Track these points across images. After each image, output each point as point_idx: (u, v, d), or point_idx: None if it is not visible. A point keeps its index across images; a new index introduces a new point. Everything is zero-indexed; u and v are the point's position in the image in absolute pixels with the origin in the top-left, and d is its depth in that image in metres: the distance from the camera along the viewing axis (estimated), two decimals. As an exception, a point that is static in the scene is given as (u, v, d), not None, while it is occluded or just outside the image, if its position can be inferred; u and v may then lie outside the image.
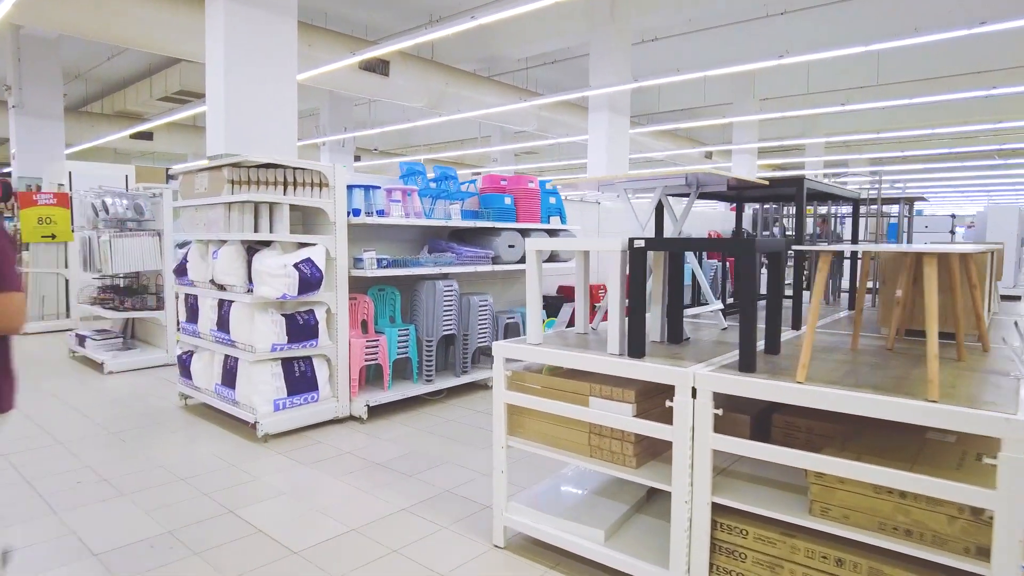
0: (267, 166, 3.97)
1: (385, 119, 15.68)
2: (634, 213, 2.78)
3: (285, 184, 3.98)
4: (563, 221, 5.76)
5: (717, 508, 2.06)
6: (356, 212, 4.18)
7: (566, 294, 5.88)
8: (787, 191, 3.11)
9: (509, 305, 5.82)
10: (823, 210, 5.10)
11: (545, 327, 5.21)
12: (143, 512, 2.84)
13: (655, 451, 2.35)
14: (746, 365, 2.00)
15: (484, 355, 5.38)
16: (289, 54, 5.79)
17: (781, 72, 12.93)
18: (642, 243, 2.18)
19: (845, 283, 5.33)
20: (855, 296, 3.86)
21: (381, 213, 4.31)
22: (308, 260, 3.84)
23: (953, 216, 6.06)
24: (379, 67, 9.59)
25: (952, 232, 6.18)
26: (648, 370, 2.11)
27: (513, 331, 5.52)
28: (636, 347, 2.21)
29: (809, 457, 1.79)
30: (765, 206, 5.46)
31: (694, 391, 2.01)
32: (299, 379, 3.94)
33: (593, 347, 2.42)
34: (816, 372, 1.98)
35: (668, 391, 2.08)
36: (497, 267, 5.01)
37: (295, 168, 3.99)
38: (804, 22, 10.11)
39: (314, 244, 3.97)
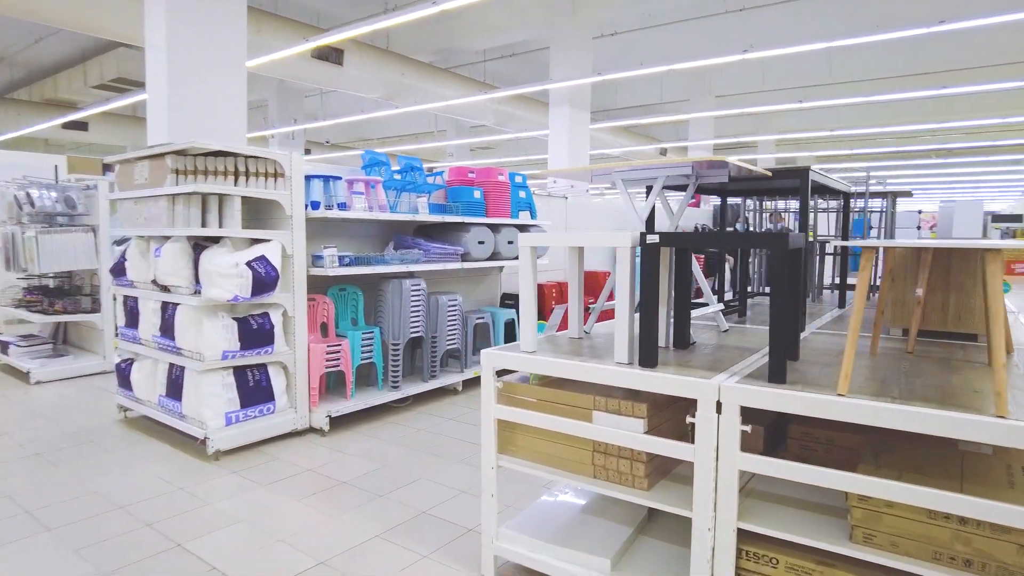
0: (216, 154, 3.59)
1: (338, 111, 15.14)
2: (632, 206, 2.54)
3: (236, 174, 3.60)
4: (533, 216, 5.50)
5: (743, 535, 1.84)
6: (315, 205, 3.83)
7: (538, 291, 5.63)
8: (783, 184, 2.94)
9: (477, 304, 5.54)
10: (780, 204, 4.99)
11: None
12: (72, 551, 2.46)
13: (665, 469, 2.12)
14: (777, 375, 1.78)
15: (452, 358, 5.08)
16: (238, 37, 5.37)
17: (738, 69, 12.99)
18: (655, 238, 1.94)
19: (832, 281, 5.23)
20: (844, 293, 3.73)
21: (343, 206, 3.97)
22: (262, 258, 3.48)
23: (920, 212, 6.07)
24: (333, 56, 9.15)
25: (919, 228, 6.22)
26: (665, 382, 1.87)
27: (482, 332, 5.24)
28: (648, 356, 1.97)
29: (862, 481, 1.58)
30: (730, 201, 5.33)
31: (719, 405, 1.78)
32: (253, 389, 3.57)
33: (593, 354, 2.17)
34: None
35: (680, 403, 1.85)
36: (467, 264, 4.73)
37: (247, 157, 3.62)
38: (762, 19, 10.12)
39: (269, 240, 3.61)
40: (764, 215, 4.87)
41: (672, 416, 2.12)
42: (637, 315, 2.04)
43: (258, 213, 3.86)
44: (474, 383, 5.02)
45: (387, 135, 18.78)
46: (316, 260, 3.86)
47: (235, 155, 3.59)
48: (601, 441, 2.06)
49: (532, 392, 2.21)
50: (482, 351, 2.26)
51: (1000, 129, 14.59)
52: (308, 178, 3.83)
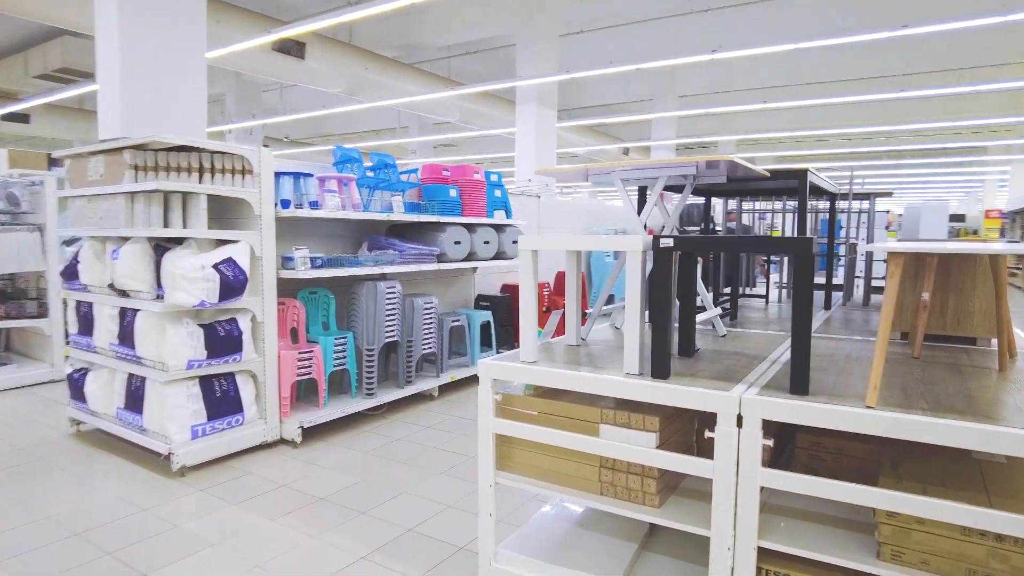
0: (178, 149, 3.36)
1: (297, 106, 14.72)
2: (632, 207, 2.44)
3: (201, 171, 3.38)
4: (509, 215, 5.38)
5: (761, 552, 1.76)
6: (285, 204, 3.63)
7: (510, 293, 5.52)
8: (775, 184, 2.88)
9: (452, 307, 5.39)
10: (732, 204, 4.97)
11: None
12: (25, 585, 2.24)
13: (673, 483, 2.03)
14: (799, 386, 1.69)
15: (428, 362, 4.92)
16: (196, 23, 5.09)
17: (702, 69, 13.09)
18: (669, 242, 1.84)
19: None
20: (830, 295, 3.71)
21: (315, 205, 3.77)
22: (230, 260, 3.27)
23: (888, 212, 6.17)
24: (294, 49, 8.84)
25: (887, 227, 6.32)
26: (682, 395, 1.77)
27: (458, 335, 5.09)
28: (661, 366, 1.87)
29: (899, 498, 1.50)
30: (689, 200, 5.28)
31: (740, 419, 1.69)
32: (221, 400, 3.36)
33: (593, 363, 2.06)
34: (863, 390, 1.70)
35: (687, 414, 1.75)
36: (443, 266, 4.57)
37: (213, 152, 3.40)
38: (727, 20, 10.19)
39: (236, 241, 3.39)
40: (755, 216, 4.85)
41: (680, 428, 2.02)
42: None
43: (224, 212, 3.63)
44: (450, 388, 4.87)
45: (348, 131, 18.39)
46: (286, 262, 3.66)
47: (199, 150, 3.37)
48: (609, 456, 1.95)
49: (533, 404, 2.09)
50: (479, 361, 2.12)
51: (950, 132, 15.08)
52: (278, 175, 3.62)
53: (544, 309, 5.88)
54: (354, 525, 2.68)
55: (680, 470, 1.81)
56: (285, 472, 3.26)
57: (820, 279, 4.79)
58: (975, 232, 21.52)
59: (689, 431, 2.09)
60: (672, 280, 1.89)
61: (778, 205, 4.96)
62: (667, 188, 2.92)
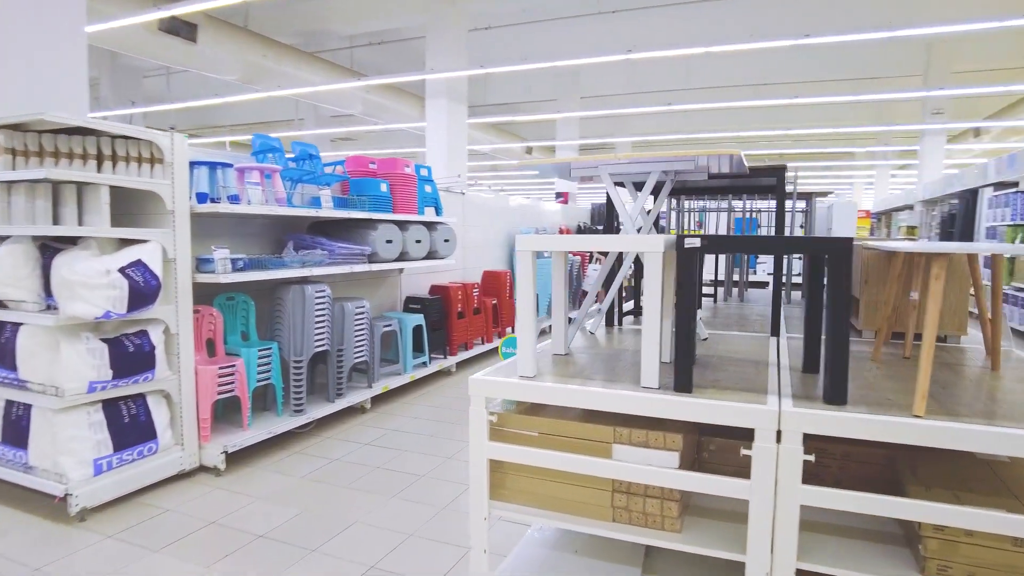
0: (70, 132, 2.84)
1: (183, 94, 13.53)
2: (621, 205, 2.26)
3: (100, 158, 2.87)
4: (439, 212, 5.10)
5: (799, 574, 1.63)
6: (202, 197, 3.18)
7: (440, 295, 5.23)
8: (754, 182, 2.82)
9: (380, 310, 5.03)
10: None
11: (503, 348, 4.51)
12: None
13: (687, 503, 1.87)
14: (836, 395, 1.58)
15: (357, 371, 4.54)
16: (78, -8, 4.42)
17: (606, 70, 13.30)
18: (695, 243, 1.67)
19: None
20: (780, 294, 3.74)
21: (235, 199, 3.34)
22: (139, 263, 2.80)
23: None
24: (185, 30, 8.04)
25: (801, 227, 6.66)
26: (711, 410, 1.61)
27: (389, 341, 4.75)
28: (683, 378, 1.70)
29: (958, 512, 1.41)
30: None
31: (779, 434, 1.56)
32: (130, 426, 2.87)
33: (598, 376, 1.87)
34: (892, 395, 1.62)
35: (691, 428, 1.60)
36: (375, 267, 4.23)
37: (115, 137, 2.90)
38: (634, 21, 10.37)
39: (145, 241, 2.92)
40: (679, 213, 4.83)
41: (693, 443, 1.87)
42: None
43: (128, 208, 3.12)
44: (382, 399, 4.52)
45: (238, 122, 17.21)
46: (203, 264, 3.21)
47: (98, 134, 2.87)
48: (623, 480, 1.77)
49: (533, 424, 1.86)
50: (470, 378, 1.87)
51: (833, 138, 16.25)
52: (192, 165, 3.17)
53: (474, 310, 5.64)
54: (307, 567, 2.34)
55: (710, 492, 1.66)
56: (212, 506, 2.84)
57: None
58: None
59: (694, 446, 1.94)
60: (698, 284, 1.73)
61: (712, 204, 4.99)
62: (636, 185, 2.79)
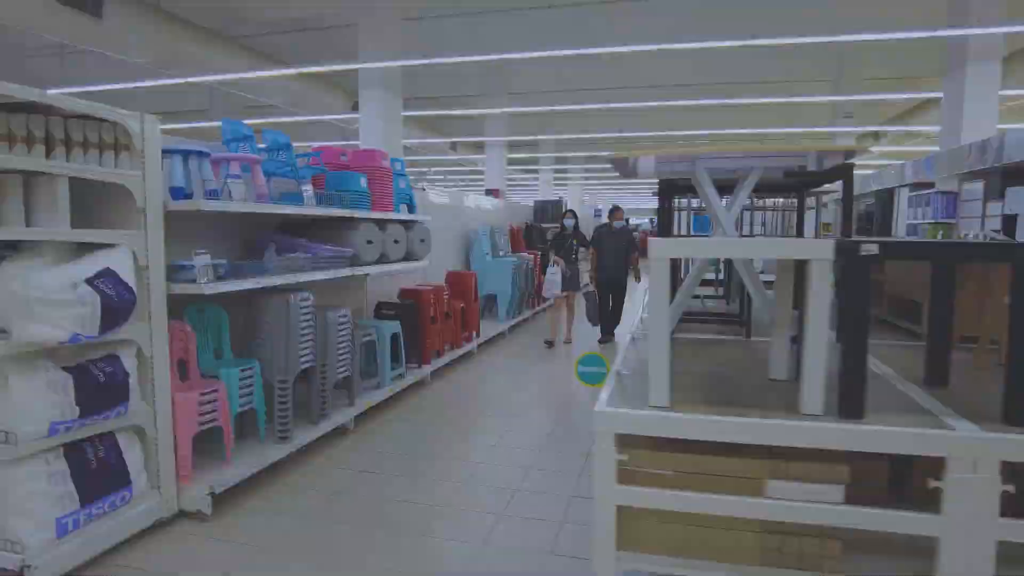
0: (10, 109, 2.26)
1: (77, 78, 12.10)
2: (716, 206, 1.99)
3: (50, 142, 2.31)
4: (413, 210, 4.69)
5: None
6: (178, 193, 2.66)
7: (413, 299, 4.82)
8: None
9: (353, 318, 4.54)
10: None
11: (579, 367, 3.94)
12: None
13: (847, 539, 1.65)
14: (1018, 416, 1.42)
15: (337, 388, 4.05)
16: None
17: (534, 66, 13.10)
18: (873, 249, 1.44)
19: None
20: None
21: (215, 194, 2.83)
22: (109, 273, 2.28)
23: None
24: (89, 4, 7.09)
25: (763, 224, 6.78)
26: (895, 439, 1.41)
27: (369, 352, 4.29)
28: (853, 404, 1.48)
29: None
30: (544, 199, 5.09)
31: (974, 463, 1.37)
32: (98, 473, 2.33)
33: (726, 402, 1.61)
34: None
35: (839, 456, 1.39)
36: (357, 270, 3.79)
37: (70, 116, 2.35)
38: (562, 17, 10.15)
39: (112, 245, 2.38)
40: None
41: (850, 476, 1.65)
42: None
43: (83, 204, 2.55)
44: (364, 417, 4.04)
45: (142, 111, 15.67)
46: (179, 273, 2.68)
47: (49, 112, 2.31)
48: (777, 519, 1.52)
49: (668, 462, 1.58)
50: (596, 411, 1.56)
51: (744, 138, 16.87)
52: (165, 153, 2.64)
53: (445, 314, 5.25)
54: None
55: (888, 529, 1.45)
56: (203, 563, 2.35)
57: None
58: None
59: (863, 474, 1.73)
60: (869, 296, 1.50)
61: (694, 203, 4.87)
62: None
